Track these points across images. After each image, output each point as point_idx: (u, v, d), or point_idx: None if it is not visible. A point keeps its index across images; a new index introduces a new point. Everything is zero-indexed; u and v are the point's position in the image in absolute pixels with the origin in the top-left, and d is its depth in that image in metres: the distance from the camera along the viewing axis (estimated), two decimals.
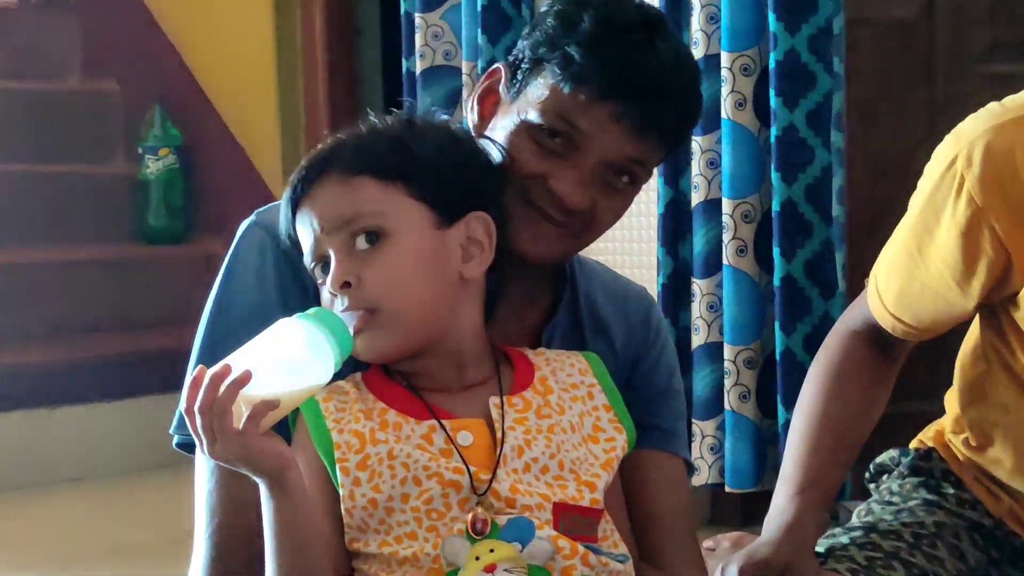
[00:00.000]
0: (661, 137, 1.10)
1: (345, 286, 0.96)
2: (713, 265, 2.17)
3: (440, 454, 0.96)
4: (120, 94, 3.50)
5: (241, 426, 0.86)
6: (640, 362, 1.21)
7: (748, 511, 2.24)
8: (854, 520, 1.40)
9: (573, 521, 0.97)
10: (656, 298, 2.20)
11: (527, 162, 1.09)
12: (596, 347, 1.18)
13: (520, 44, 1.14)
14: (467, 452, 0.97)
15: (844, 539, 1.32)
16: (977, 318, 1.31)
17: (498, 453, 0.97)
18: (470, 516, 0.94)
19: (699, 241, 2.18)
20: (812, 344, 1.98)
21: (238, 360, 0.88)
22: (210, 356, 1.01)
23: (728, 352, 2.11)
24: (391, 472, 0.96)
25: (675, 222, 2.24)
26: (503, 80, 1.14)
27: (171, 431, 1.11)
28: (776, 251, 2.04)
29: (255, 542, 0.98)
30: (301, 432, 0.99)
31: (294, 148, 3.30)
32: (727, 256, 2.11)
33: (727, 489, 2.16)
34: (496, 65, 1.18)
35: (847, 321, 1.36)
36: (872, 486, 1.47)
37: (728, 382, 2.11)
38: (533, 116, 1.08)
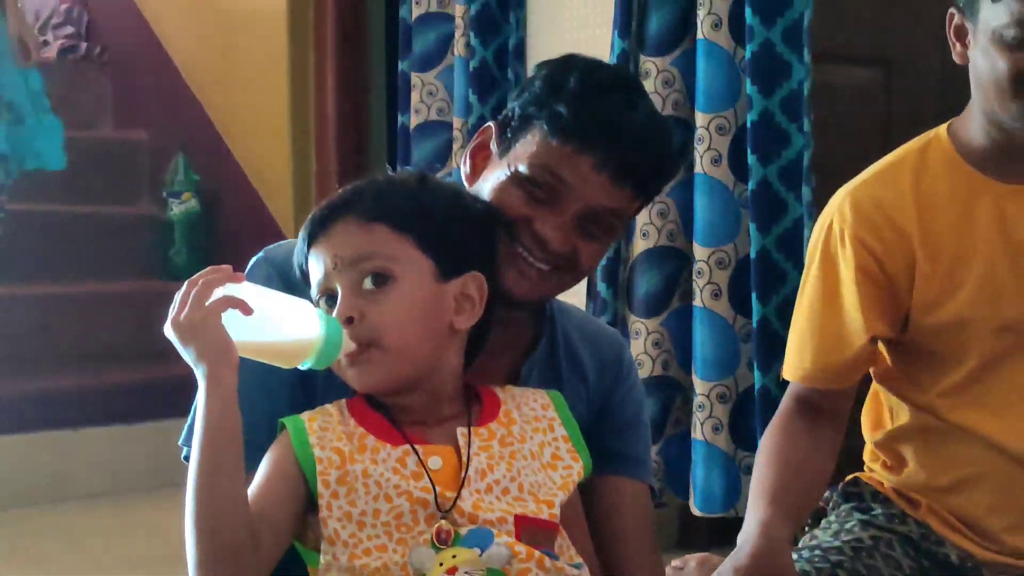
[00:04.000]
0: (636, 188, 1.11)
1: (348, 320, 0.97)
2: (658, 305, 2.17)
3: (411, 476, 0.97)
4: (147, 142, 3.72)
5: (209, 303, 0.90)
6: (610, 396, 1.21)
7: (715, 535, 2.25)
8: (802, 543, 1.42)
9: (532, 533, 0.98)
10: None
11: (515, 207, 1.09)
12: (570, 382, 1.19)
13: (510, 104, 1.15)
14: (436, 475, 0.97)
15: (793, 556, 1.33)
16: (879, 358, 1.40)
17: (463, 475, 0.97)
18: (435, 528, 0.94)
19: (643, 284, 2.19)
20: (786, 382, 1.97)
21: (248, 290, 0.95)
22: None
23: (701, 387, 2.09)
24: (365, 489, 0.96)
25: (616, 266, 2.24)
26: (494, 137, 1.15)
27: (180, 442, 1.09)
28: (754, 296, 2.03)
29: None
30: (282, 443, 0.99)
31: (305, 194, 3.32)
32: (701, 299, 2.09)
33: (696, 513, 2.13)
34: (487, 124, 1.19)
35: (781, 408, 1.38)
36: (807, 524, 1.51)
37: (701, 415, 2.09)
38: (522, 168, 1.09)
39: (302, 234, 1.04)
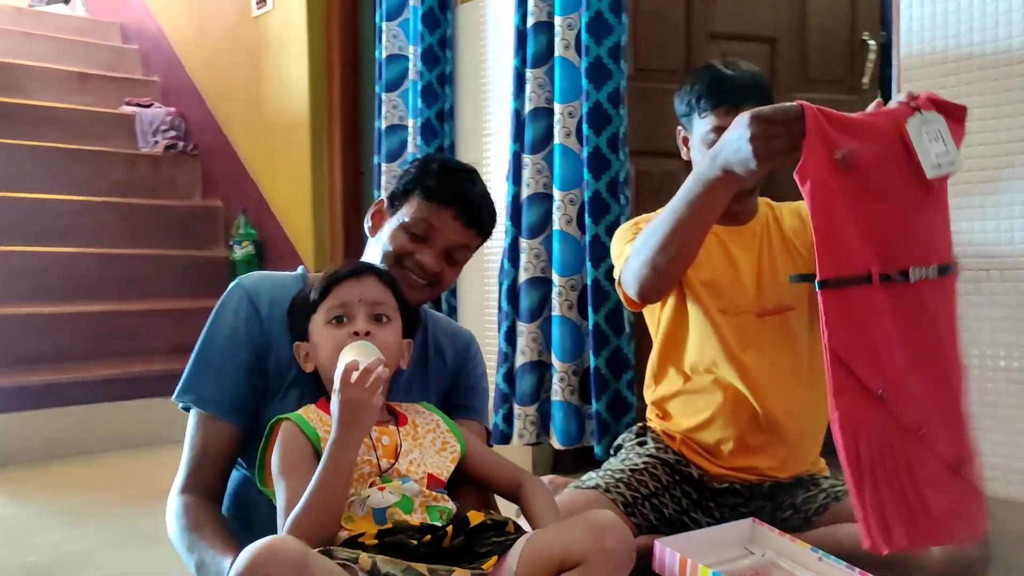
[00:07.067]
0: (478, 230, 1.22)
1: (366, 333, 1.07)
2: (536, 314, 2.44)
3: (371, 449, 1.04)
4: (222, 208, 4.13)
5: (369, 386, 0.97)
6: (462, 371, 1.32)
7: (567, 462, 2.52)
8: (601, 468, 1.52)
9: (433, 484, 1.07)
10: (501, 334, 2.47)
11: (404, 245, 1.18)
12: (434, 362, 1.27)
13: (395, 184, 1.25)
14: (385, 448, 1.05)
15: (593, 474, 1.48)
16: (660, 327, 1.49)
17: (399, 450, 1.06)
18: (380, 476, 1.03)
19: (526, 301, 2.47)
20: (612, 363, 2.27)
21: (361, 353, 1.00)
22: (201, 361, 1.15)
23: (560, 366, 2.37)
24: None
25: (513, 290, 2.49)
26: (385, 206, 1.24)
27: (174, 397, 1.15)
28: (590, 308, 2.32)
29: (219, 462, 1.12)
30: (298, 435, 1.03)
31: (321, 243, 3.56)
32: (560, 309, 2.35)
33: (558, 446, 2.39)
34: (380, 198, 1.31)
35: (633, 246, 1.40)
36: (611, 455, 1.62)
37: (563, 384, 2.36)
38: (407, 219, 1.18)
39: (338, 273, 1.10)
